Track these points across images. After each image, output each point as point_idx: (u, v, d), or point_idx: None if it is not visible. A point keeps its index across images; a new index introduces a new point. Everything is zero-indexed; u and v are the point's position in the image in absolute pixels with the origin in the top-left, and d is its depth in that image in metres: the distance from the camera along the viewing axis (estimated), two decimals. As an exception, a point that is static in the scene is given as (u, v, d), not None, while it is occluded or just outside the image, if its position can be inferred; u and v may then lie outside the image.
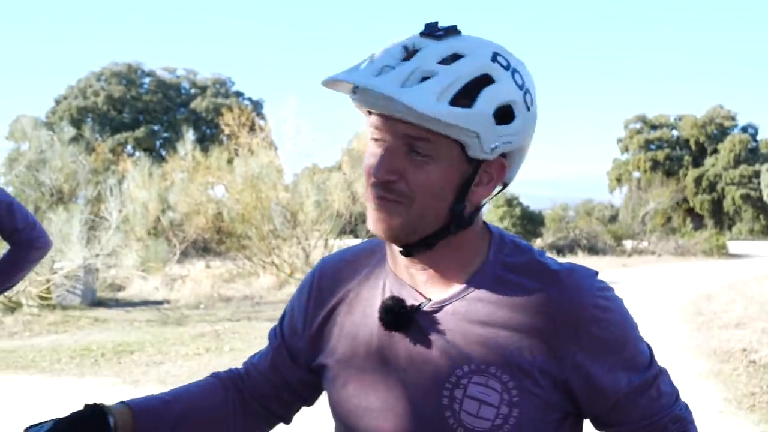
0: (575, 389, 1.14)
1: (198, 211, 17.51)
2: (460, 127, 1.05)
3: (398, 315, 1.17)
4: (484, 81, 1.07)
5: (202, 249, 20.03)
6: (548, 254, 1.23)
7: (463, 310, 1.15)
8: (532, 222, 33.06)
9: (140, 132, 48.57)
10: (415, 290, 1.19)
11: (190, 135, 20.35)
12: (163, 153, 39.07)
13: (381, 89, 1.02)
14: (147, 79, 52.89)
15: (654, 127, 59.87)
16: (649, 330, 11.36)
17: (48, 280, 12.60)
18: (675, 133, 60.09)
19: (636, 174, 56.94)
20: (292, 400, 1.41)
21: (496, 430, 1.11)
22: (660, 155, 57.48)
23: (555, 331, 1.12)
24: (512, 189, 39.48)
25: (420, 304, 1.17)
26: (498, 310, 1.14)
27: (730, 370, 7.91)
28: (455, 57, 1.07)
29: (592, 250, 32.43)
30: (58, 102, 50.77)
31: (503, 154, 1.13)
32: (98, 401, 1.32)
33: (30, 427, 1.23)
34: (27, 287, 12.23)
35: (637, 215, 38.63)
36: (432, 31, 1.10)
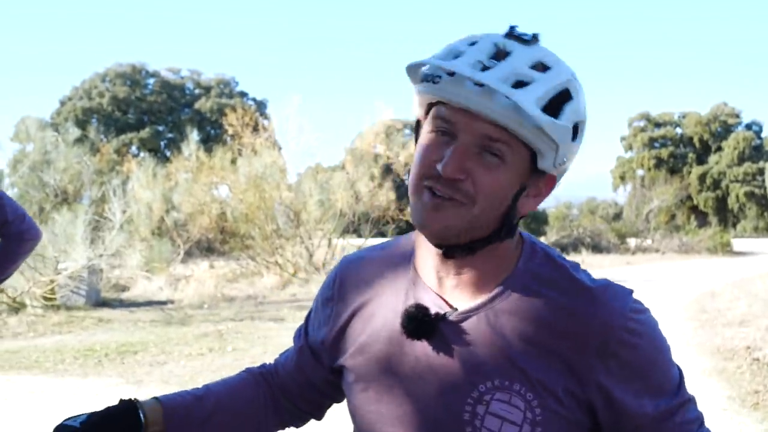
0: (598, 410, 1.11)
1: (202, 211, 17.55)
2: (547, 136, 1.04)
3: (421, 323, 1.13)
4: (566, 96, 1.06)
5: (205, 249, 20.08)
6: (582, 268, 1.18)
7: (490, 322, 1.12)
8: (536, 221, 33.09)
9: (145, 132, 48.73)
10: (441, 297, 1.16)
11: (194, 135, 20.40)
12: (168, 153, 39.18)
13: (494, 85, 1.00)
14: (151, 80, 53.06)
15: (658, 125, 59.88)
16: (652, 328, 11.33)
17: (52, 281, 12.65)
18: (679, 130, 60.14)
19: (640, 172, 56.99)
20: (319, 398, 1.40)
21: None
22: (664, 153, 57.48)
23: (582, 350, 1.08)
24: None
25: (445, 313, 1.13)
26: (525, 324, 1.11)
27: (734, 368, 7.87)
28: (544, 67, 1.06)
29: (596, 248, 32.39)
30: (63, 103, 50.94)
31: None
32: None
33: (65, 420, 1.24)
34: (31, 288, 12.28)
35: (641, 213, 38.60)
36: (519, 35, 1.08)
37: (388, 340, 1.19)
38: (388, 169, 19.63)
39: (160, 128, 51.29)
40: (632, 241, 35.43)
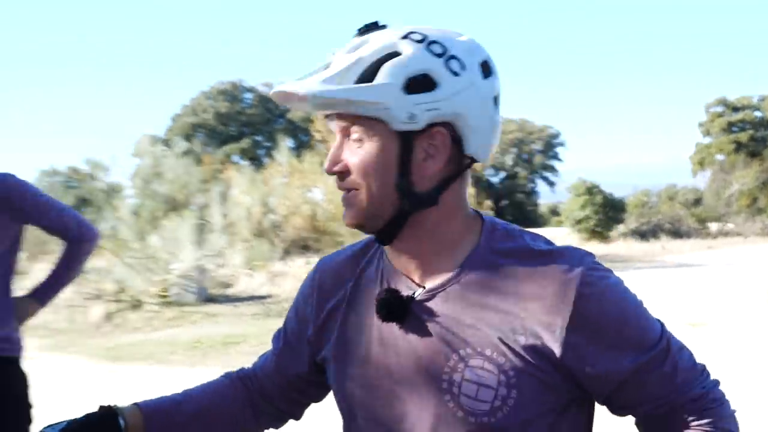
0: (574, 370, 1.08)
1: (296, 212, 17.91)
2: (367, 102, 1.05)
3: (393, 306, 1.14)
4: (387, 58, 1.06)
5: (301, 247, 20.45)
6: (543, 237, 1.17)
7: (456, 296, 1.12)
8: (614, 209, 32.06)
9: (244, 143, 50.37)
10: (412, 280, 1.16)
11: (286, 143, 20.83)
12: (266, 161, 40.38)
13: (313, 87, 1.06)
14: (249, 95, 54.68)
15: (736, 109, 56.96)
16: (734, 310, 10.85)
17: (165, 280, 13.18)
18: (758, 114, 56.98)
19: (719, 157, 54.36)
20: (299, 398, 1.40)
21: (495, 411, 1.07)
22: (743, 137, 54.60)
23: (546, 310, 1.07)
24: (593, 177, 38.71)
25: (414, 294, 1.14)
26: (490, 293, 1.10)
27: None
28: (360, 45, 1.08)
29: (676, 234, 31.20)
30: (174, 120, 53.18)
31: (443, 123, 1.08)
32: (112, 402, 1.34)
33: (46, 428, 1.23)
34: (148, 287, 12.86)
35: (721, 197, 36.90)
36: (360, 31, 1.12)
37: (367, 327, 1.20)
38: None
39: (258, 138, 52.84)
40: (713, 226, 33.94)
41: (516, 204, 62.18)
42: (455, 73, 1.07)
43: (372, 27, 1.12)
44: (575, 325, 1.06)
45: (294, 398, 1.39)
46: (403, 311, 1.14)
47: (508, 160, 64.35)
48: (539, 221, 59.23)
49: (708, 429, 1.09)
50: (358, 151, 1.10)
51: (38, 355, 8.87)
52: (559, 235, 28.87)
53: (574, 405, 1.13)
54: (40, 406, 6.01)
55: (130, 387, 6.95)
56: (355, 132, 1.10)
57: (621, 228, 31.46)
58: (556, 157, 70.33)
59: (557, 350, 1.06)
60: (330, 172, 1.13)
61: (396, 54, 1.06)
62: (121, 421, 1.29)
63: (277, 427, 1.46)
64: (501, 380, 1.07)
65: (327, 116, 1.16)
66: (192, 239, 13.60)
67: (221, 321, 11.46)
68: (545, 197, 74.91)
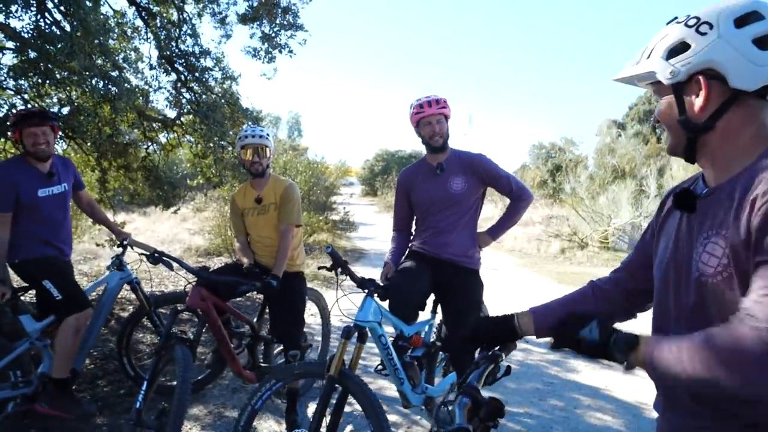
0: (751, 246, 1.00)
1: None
2: (648, 71, 1.16)
3: (682, 201, 1.17)
4: (658, 40, 1.17)
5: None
6: None
7: (722, 197, 1.10)
8: None
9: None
10: (706, 185, 1.18)
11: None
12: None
13: (633, 71, 1.20)
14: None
15: None
16: None
17: (606, 230, 12.96)
18: None
19: None
20: (641, 301, 1.39)
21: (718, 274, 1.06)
22: None
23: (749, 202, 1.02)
24: None
25: (698, 193, 1.17)
26: (737, 194, 1.06)
27: None
28: (658, 35, 1.18)
29: None
30: (630, 108, 50.41)
31: (701, 72, 1.09)
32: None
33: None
34: (592, 233, 12.95)
35: None
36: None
37: (674, 218, 1.24)
38: None
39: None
40: None
41: None
42: (702, 34, 1.09)
43: (672, 21, 1.18)
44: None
45: (636, 300, 1.39)
46: (691, 205, 1.15)
47: None
48: None
49: None
50: (660, 104, 1.19)
51: (514, 269, 10.07)
52: None
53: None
54: (500, 300, 6.81)
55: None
56: (656, 92, 1.19)
57: None
58: None
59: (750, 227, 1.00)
60: (654, 121, 1.23)
61: (664, 36, 1.15)
62: (516, 322, 1.40)
63: (622, 321, 1.43)
64: (725, 252, 1.04)
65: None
66: (630, 202, 13.19)
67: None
68: None
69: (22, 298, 3.30)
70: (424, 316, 3.17)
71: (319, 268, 3.00)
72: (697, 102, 1.10)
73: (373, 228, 15.80)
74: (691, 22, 1.10)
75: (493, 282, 8.27)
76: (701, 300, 1.09)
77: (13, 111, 4.18)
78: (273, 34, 5.95)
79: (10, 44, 4.59)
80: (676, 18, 1.16)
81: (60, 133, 5.18)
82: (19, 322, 3.11)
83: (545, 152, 26.26)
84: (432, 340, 3.28)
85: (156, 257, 3.14)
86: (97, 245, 6.69)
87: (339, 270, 2.73)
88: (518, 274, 9.52)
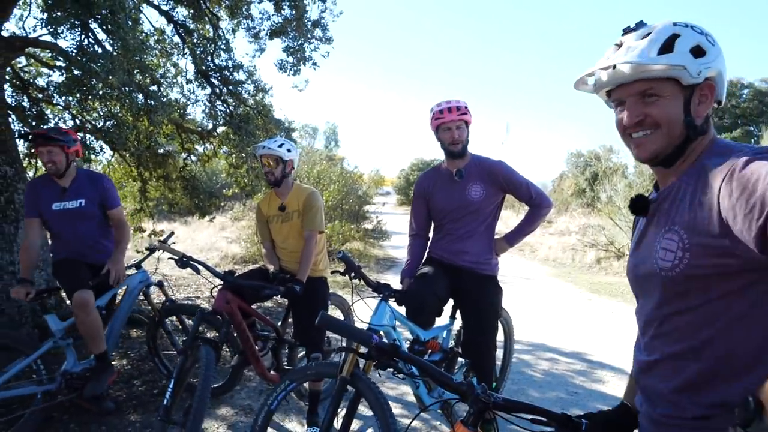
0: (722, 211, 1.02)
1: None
2: (673, 65, 1.12)
3: (637, 206, 1.25)
4: (674, 38, 1.15)
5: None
6: (761, 148, 1.06)
7: (672, 196, 1.18)
8: None
9: (736, 133, 43.18)
10: (656, 188, 1.26)
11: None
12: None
13: (623, 60, 1.15)
14: (745, 90, 46.44)
15: None
16: None
17: None
18: None
19: None
20: None
21: (674, 267, 1.11)
22: None
23: (717, 185, 1.05)
24: None
25: (651, 196, 1.25)
26: (693, 189, 1.12)
27: None
28: (647, 34, 1.17)
29: None
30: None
31: (708, 78, 1.15)
32: None
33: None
34: (629, 243, 12.43)
35: None
36: (626, 31, 1.20)
37: (639, 224, 1.31)
38: None
39: (750, 128, 44.63)
40: None
41: None
42: (712, 44, 1.14)
43: (640, 24, 1.20)
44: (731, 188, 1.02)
45: None
46: (642, 208, 1.23)
47: None
48: None
49: None
50: (658, 103, 1.15)
51: (547, 279, 9.92)
52: None
53: (745, 276, 1.04)
54: (531, 311, 6.64)
55: (599, 313, 7.16)
56: (652, 91, 1.15)
57: None
58: None
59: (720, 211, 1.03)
60: (632, 124, 1.17)
61: (677, 35, 1.14)
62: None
63: None
64: (679, 245, 1.10)
65: (610, 91, 1.21)
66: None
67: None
68: None
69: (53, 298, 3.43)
70: (441, 321, 3.18)
71: (333, 272, 3.05)
72: (703, 107, 1.15)
73: (407, 237, 15.68)
74: (697, 29, 1.15)
75: (525, 292, 8.25)
76: (664, 295, 1.14)
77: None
78: (297, 47, 6.06)
79: (59, 62, 4.85)
80: (645, 24, 1.19)
81: (105, 145, 5.44)
82: (45, 320, 3.28)
83: (583, 160, 25.76)
84: (450, 345, 3.29)
85: (184, 261, 3.26)
86: (137, 252, 6.93)
87: (352, 275, 2.77)
88: (551, 284, 9.39)
